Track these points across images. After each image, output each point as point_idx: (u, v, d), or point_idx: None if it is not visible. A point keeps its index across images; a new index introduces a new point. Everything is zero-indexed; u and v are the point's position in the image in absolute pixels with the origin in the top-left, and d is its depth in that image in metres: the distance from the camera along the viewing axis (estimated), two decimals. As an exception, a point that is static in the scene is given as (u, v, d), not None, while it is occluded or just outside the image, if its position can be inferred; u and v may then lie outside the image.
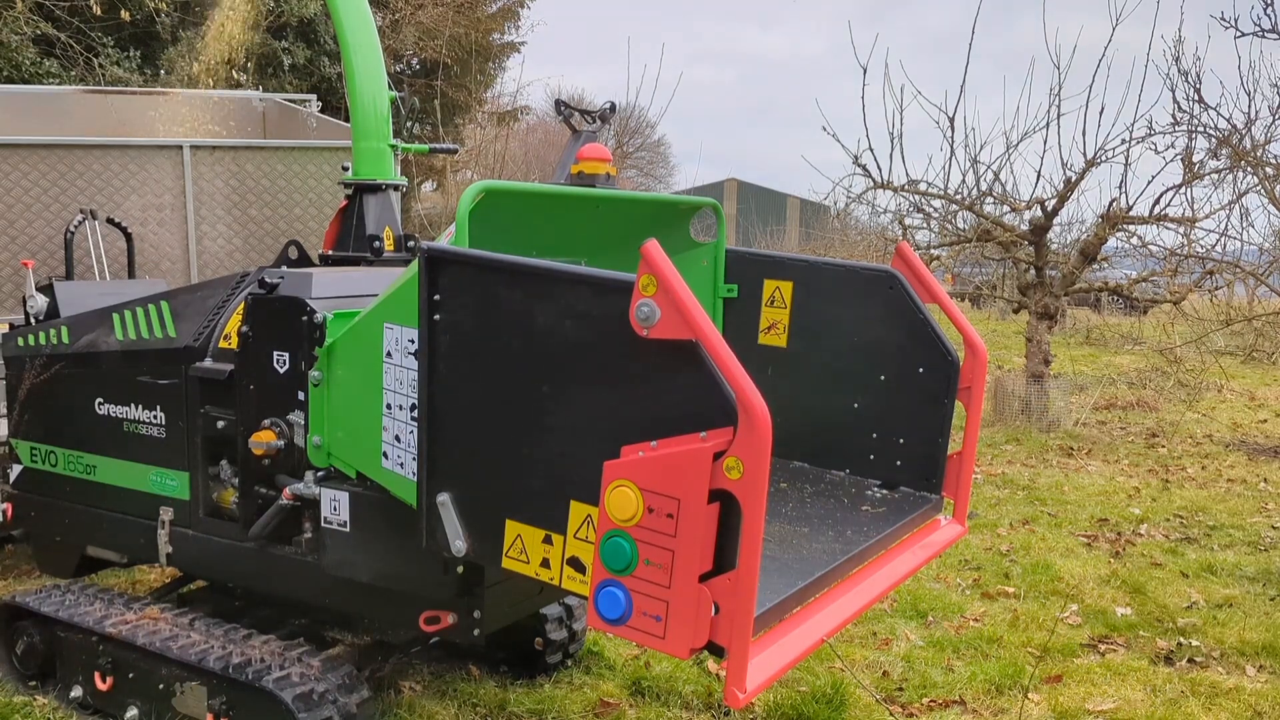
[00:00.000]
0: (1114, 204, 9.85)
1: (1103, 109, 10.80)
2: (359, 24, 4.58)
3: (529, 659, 4.16)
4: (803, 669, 4.19)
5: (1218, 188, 9.93)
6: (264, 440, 3.20)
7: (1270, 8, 7.73)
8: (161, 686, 3.45)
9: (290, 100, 7.77)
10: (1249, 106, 9.86)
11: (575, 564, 2.39)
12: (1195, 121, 9.52)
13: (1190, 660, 4.51)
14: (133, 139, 6.17)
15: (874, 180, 10.85)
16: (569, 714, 3.91)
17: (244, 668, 3.24)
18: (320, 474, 3.11)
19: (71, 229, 5.38)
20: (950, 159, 11.47)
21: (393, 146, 4.63)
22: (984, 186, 10.64)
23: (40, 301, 4.23)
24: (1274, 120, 9.26)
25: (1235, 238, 10.02)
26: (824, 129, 11.01)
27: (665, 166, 34.94)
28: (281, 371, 3.21)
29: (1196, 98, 9.36)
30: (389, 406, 2.77)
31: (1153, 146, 9.80)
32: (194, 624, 3.56)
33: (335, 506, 3.06)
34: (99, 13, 10.45)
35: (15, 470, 4.16)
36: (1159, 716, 3.96)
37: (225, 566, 3.62)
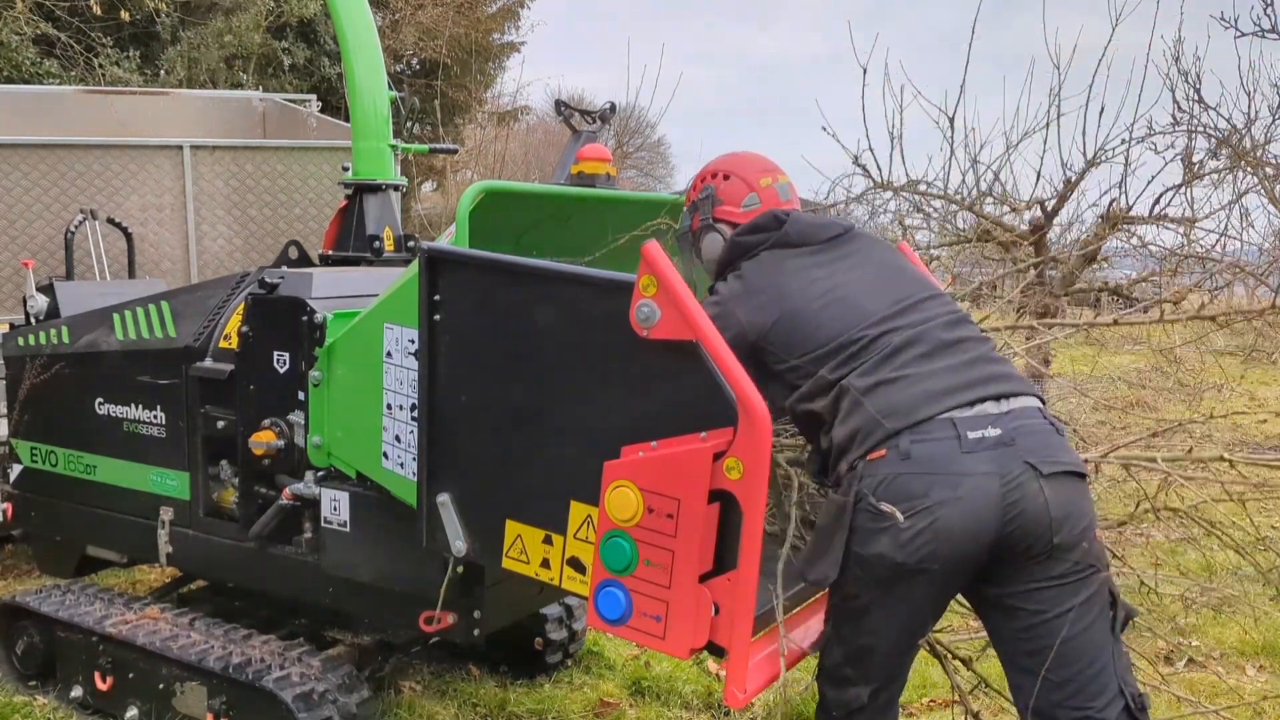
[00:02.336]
0: (1114, 204, 9.85)
1: (1103, 109, 10.78)
2: (359, 24, 4.58)
3: (529, 659, 4.16)
4: (803, 669, 4.19)
5: (1218, 188, 9.91)
6: (264, 440, 3.19)
7: (1270, 8, 7.72)
8: (161, 686, 3.45)
9: (290, 100, 7.77)
10: (1249, 107, 9.84)
11: (575, 564, 2.39)
12: (1195, 121, 9.50)
13: (1190, 660, 4.51)
14: (133, 139, 6.17)
15: (874, 180, 10.83)
16: (569, 714, 3.91)
17: (244, 668, 3.25)
18: (320, 474, 3.11)
19: (71, 229, 5.38)
20: (950, 159, 11.44)
21: (393, 146, 4.63)
22: (984, 186, 10.63)
23: (40, 301, 4.23)
24: (1274, 120, 9.24)
25: (1235, 238, 10.01)
26: (824, 129, 10.98)
27: (665, 166, 34.91)
28: (281, 371, 3.21)
29: (1196, 98, 9.35)
30: (389, 406, 2.77)
31: (1153, 146, 9.77)
32: (194, 624, 3.56)
33: (335, 506, 3.06)
34: (99, 13, 10.44)
35: (15, 470, 4.16)
36: (1159, 717, 3.95)
37: (225, 566, 3.62)
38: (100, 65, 11.14)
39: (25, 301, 4.34)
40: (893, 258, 2.72)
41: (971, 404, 2.32)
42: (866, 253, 2.67)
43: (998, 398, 2.36)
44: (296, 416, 3.17)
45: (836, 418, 2.36)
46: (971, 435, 2.27)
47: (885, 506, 2.22)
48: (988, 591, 2.41)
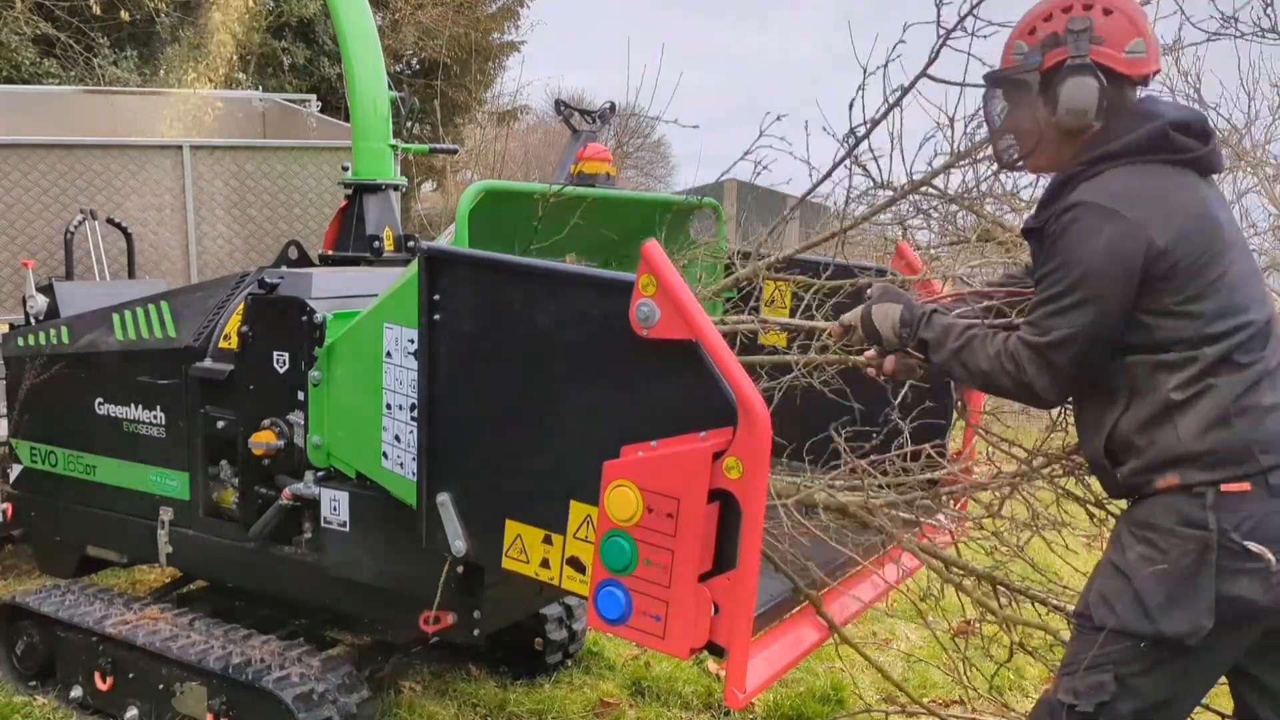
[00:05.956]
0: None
1: (1103, 109, 10.74)
2: (359, 24, 4.58)
3: (529, 659, 4.16)
4: (803, 669, 4.19)
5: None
6: (264, 440, 3.20)
7: (1270, 8, 7.74)
8: (161, 686, 3.44)
9: (290, 100, 7.77)
10: (1249, 107, 9.83)
11: (575, 564, 2.39)
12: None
13: (1190, 660, 4.50)
14: (133, 139, 6.18)
15: (874, 180, 10.82)
16: (569, 714, 3.91)
17: (244, 668, 3.24)
18: (320, 474, 3.11)
19: (71, 229, 5.38)
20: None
21: (393, 146, 4.63)
22: (984, 187, 10.61)
23: (40, 301, 4.23)
24: (1274, 120, 9.24)
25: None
26: (824, 129, 10.98)
27: (665, 166, 34.85)
28: (281, 371, 3.21)
29: (1196, 98, 9.35)
30: (389, 406, 2.77)
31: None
32: (194, 624, 3.56)
33: (335, 506, 3.06)
34: (98, 13, 10.45)
35: (15, 470, 4.16)
36: (1159, 716, 3.95)
37: (225, 566, 3.62)
38: (99, 65, 11.14)
39: (25, 301, 4.34)
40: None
41: None
42: (1228, 208, 2.32)
43: None
44: (296, 416, 3.17)
45: (1185, 414, 2.11)
46: None
47: (1255, 547, 2.05)
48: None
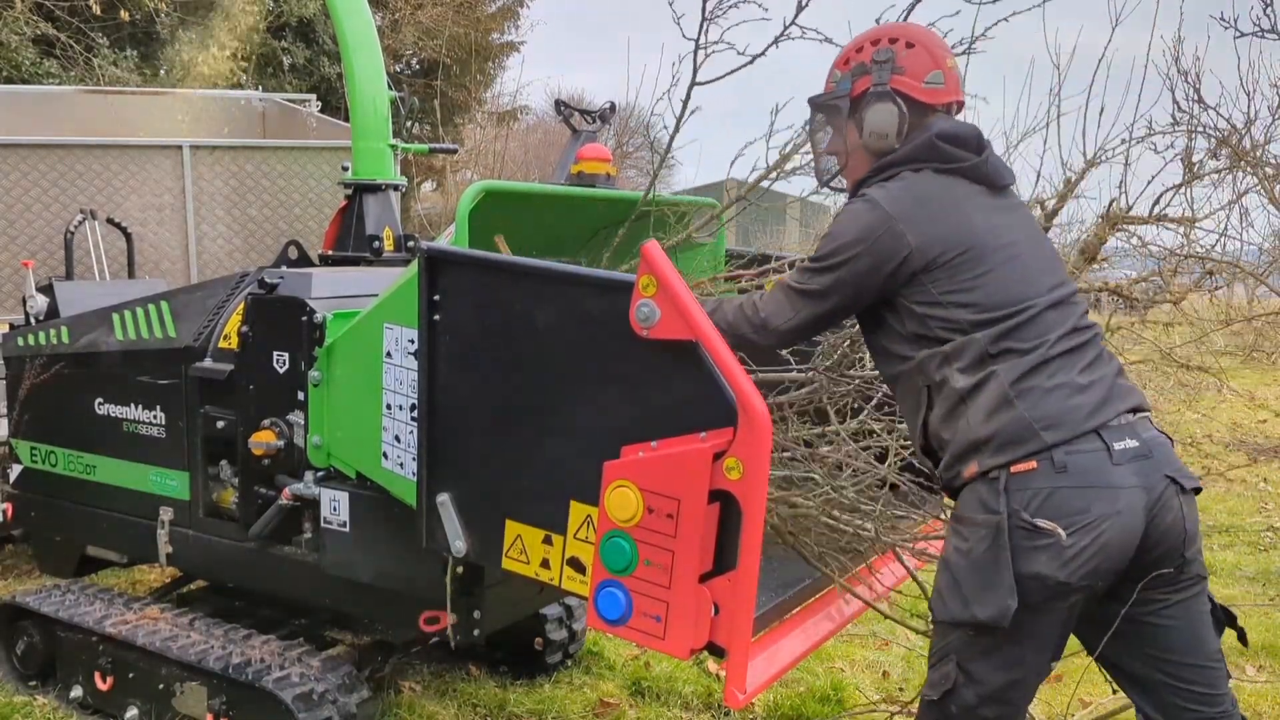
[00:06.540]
0: (1114, 204, 9.85)
1: (1102, 109, 10.78)
2: (359, 24, 4.57)
3: (529, 659, 4.16)
4: (803, 669, 4.19)
5: (1217, 188, 9.91)
6: (264, 440, 3.19)
7: (1270, 8, 7.73)
8: (161, 686, 3.45)
9: (290, 100, 7.77)
10: (1249, 107, 9.82)
11: (575, 564, 2.39)
12: (1195, 122, 9.49)
13: (1190, 660, 4.50)
14: (133, 139, 6.17)
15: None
16: (569, 714, 3.91)
17: (244, 668, 3.24)
18: (320, 474, 3.11)
19: (71, 229, 5.38)
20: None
21: (393, 146, 4.62)
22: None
23: (40, 301, 4.23)
24: (1274, 120, 9.23)
25: (1235, 238, 10.01)
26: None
27: (665, 166, 34.75)
28: (281, 371, 3.21)
29: (1196, 98, 9.34)
30: (389, 406, 2.77)
31: (1152, 146, 9.77)
32: (194, 624, 3.56)
33: (335, 506, 3.06)
34: (98, 13, 10.45)
35: (15, 470, 4.16)
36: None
37: (225, 566, 3.62)
38: (99, 65, 11.14)
39: (25, 301, 4.34)
40: (1038, 228, 2.55)
41: (1116, 416, 2.25)
42: (1025, 214, 2.52)
43: (1132, 410, 2.29)
44: (296, 416, 3.17)
45: (972, 403, 2.23)
46: (1118, 446, 2.19)
47: (1044, 523, 2.13)
48: (1109, 608, 2.31)
